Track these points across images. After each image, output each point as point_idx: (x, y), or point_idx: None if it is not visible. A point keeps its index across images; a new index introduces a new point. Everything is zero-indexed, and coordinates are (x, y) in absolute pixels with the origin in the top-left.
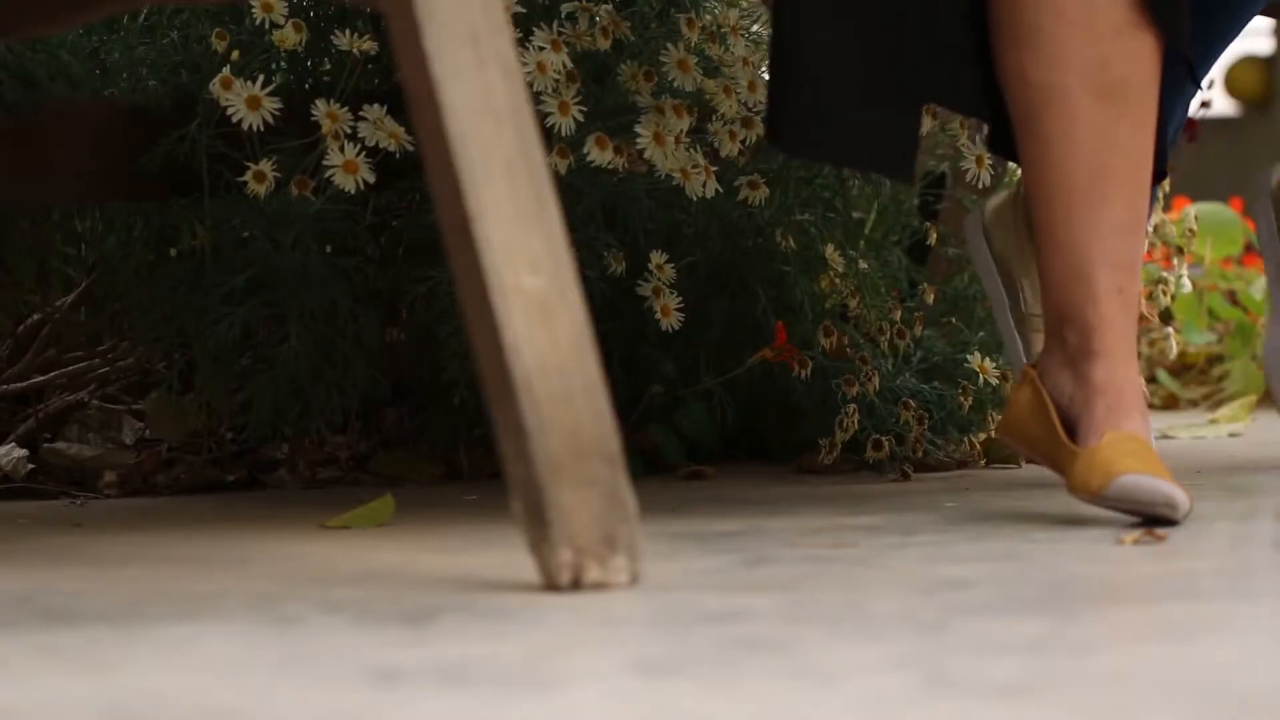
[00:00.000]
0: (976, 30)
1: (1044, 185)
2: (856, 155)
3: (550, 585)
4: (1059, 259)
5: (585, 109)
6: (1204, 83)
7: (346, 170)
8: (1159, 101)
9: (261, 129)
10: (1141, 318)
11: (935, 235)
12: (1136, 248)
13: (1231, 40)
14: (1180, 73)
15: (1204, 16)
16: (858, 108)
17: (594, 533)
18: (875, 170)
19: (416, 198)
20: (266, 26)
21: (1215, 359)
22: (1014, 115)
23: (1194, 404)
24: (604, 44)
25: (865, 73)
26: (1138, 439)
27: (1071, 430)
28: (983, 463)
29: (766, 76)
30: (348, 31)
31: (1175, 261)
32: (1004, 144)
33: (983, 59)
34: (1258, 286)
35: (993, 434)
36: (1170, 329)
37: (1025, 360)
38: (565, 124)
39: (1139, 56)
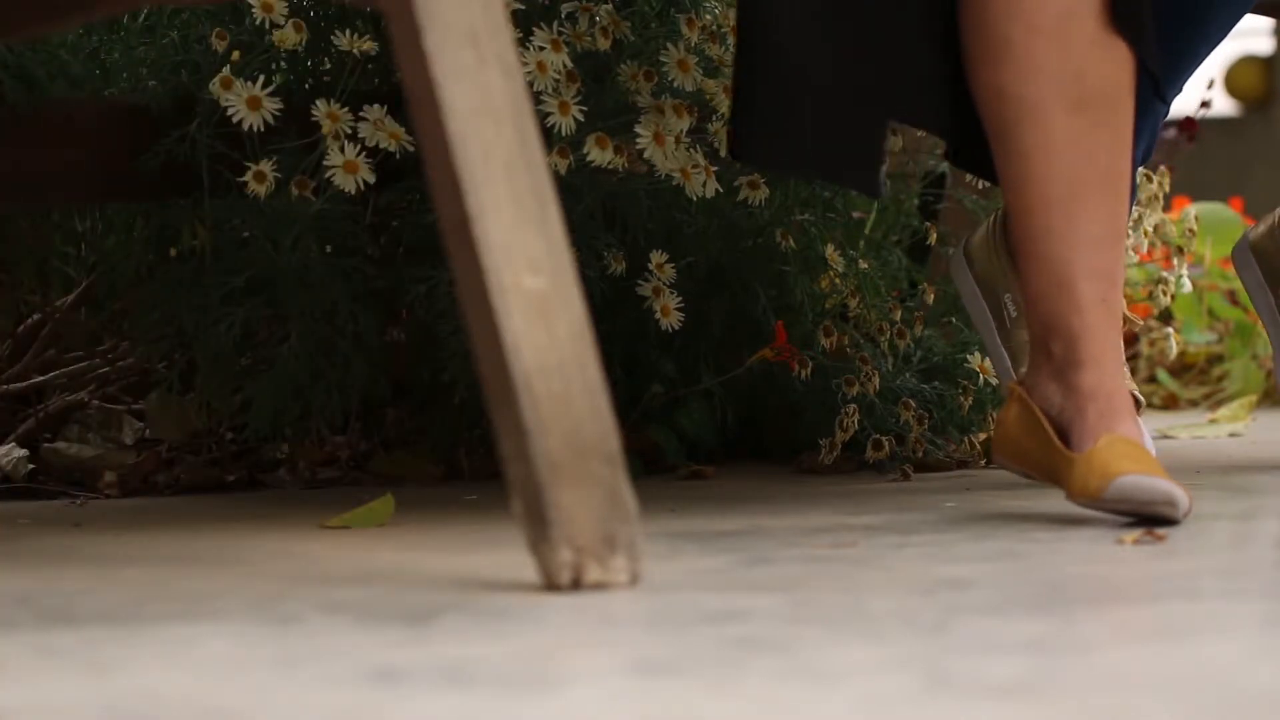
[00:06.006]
0: (942, 47)
1: (1022, 199)
2: (820, 166)
3: (550, 585)
4: (1041, 271)
5: (585, 109)
6: (1173, 102)
7: (347, 170)
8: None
9: (261, 129)
10: (1126, 320)
11: (935, 235)
12: (1117, 257)
13: (1201, 60)
14: (1146, 92)
15: (1173, 35)
16: (822, 120)
17: (594, 533)
18: (839, 182)
19: (416, 198)
20: (266, 26)
21: (1215, 359)
22: (989, 130)
23: (1194, 404)
24: (604, 44)
25: (830, 86)
26: (1133, 441)
27: (1064, 440)
28: (983, 463)
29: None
30: (348, 31)
31: (1175, 261)
32: (966, 159)
33: (947, 76)
34: None
35: (993, 433)
36: (1170, 329)
37: (1014, 377)
38: (565, 124)
39: (1113, 68)
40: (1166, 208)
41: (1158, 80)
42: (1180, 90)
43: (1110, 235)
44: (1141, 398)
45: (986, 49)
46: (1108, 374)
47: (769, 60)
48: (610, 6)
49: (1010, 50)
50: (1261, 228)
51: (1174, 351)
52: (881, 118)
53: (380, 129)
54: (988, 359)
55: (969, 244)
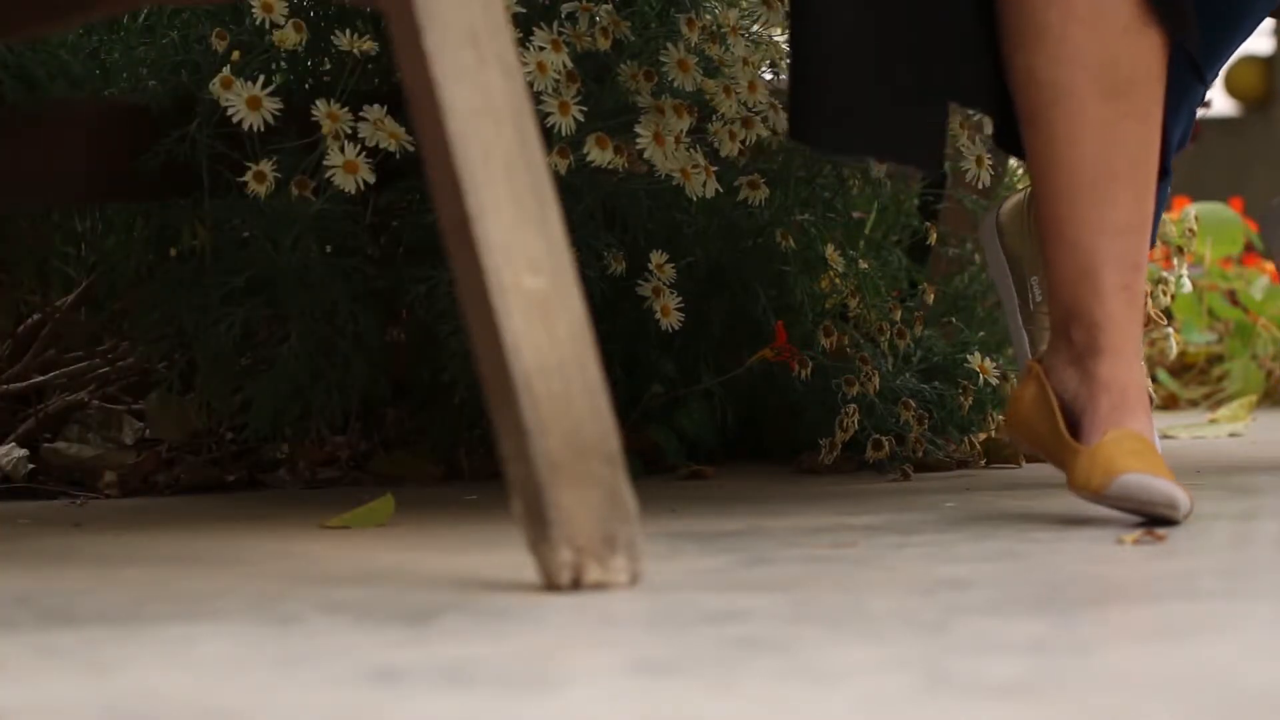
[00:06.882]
0: (986, 26)
1: (1050, 183)
2: (882, 146)
3: (550, 585)
4: (1065, 257)
5: (585, 109)
6: (1212, 83)
7: (347, 170)
8: (1164, 104)
9: (261, 129)
10: (1148, 319)
11: (935, 235)
12: (1142, 246)
13: (1239, 43)
14: (1186, 75)
15: (1210, 18)
16: (881, 99)
17: (594, 533)
18: (902, 161)
19: (416, 198)
20: (266, 26)
21: (1215, 359)
22: (1021, 113)
23: (1194, 404)
24: (604, 44)
25: (887, 66)
26: (1140, 437)
27: (1075, 427)
28: (983, 463)
29: (786, 77)
30: (348, 31)
31: (1175, 261)
32: (1010, 140)
33: (992, 54)
34: (1258, 286)
35: (993, 433)
36: (1170, 329)
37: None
38: (565, 124)
39: (1146, 55)
40: (1167, 207)
41: (1197, 63)
42: (1218, 72)
43: (1136, 224)
44: (1153, 394)
45: (1022, 32)
46: (1124, 365)
47: (823, 41)
48: (610, 6)
49: (1045, 34)
50: None
51: (1174, 351)
52: (939, 97)
53: (380, 129)
54: (987, 359)
55: (1001, 212)
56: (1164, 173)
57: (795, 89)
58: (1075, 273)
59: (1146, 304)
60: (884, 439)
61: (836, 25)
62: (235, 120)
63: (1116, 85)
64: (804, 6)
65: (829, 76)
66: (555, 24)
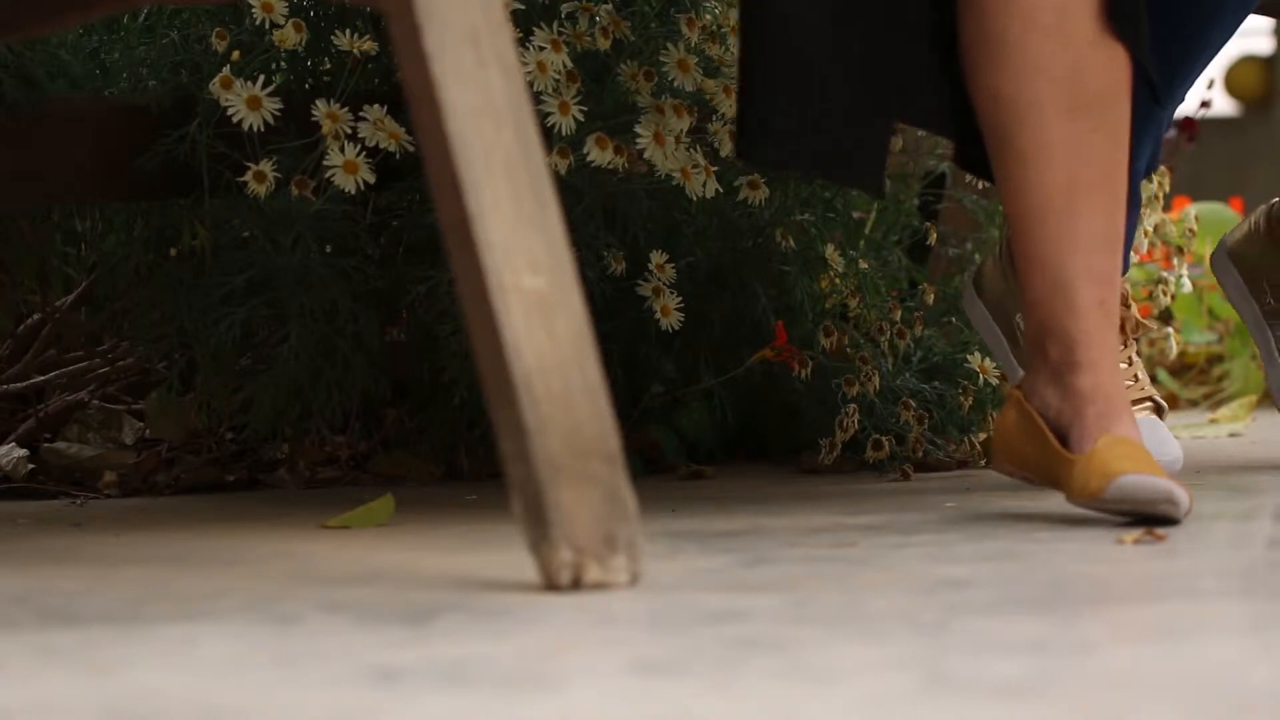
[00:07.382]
0: (945, 48)
1: (1020, 202)
2: (824, 167)
3: (550, 585)
4: (1038, 274)
5: (585, 109)
6: (1174, 110)
7: (346, 170)
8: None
9: (261, 129)
10: (1138, 324)
11: (935, 235)
12: (1115, 260)
13: (1200, 68)
14: (1148, 100)
15: (1170, 41)
16: (826, 120)
17: (594, 532)
18: (842, 183)
19: (416, 198)
20: (266, 26)
21: (1215, 359)
22: (986, 133)
23: (1194, 404)
24: (604, 44)
25: (834, 86)
26: (1132, 442)
27: (1063, 442)
28: (983, 463)
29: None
30: (348, 31)
31: (1175, 261)
32: (972, 161)
33: (951, 77)
34: None
35: (993, 433)
36: (1170, 329)
37: None
38: (565, 124)
39: (1111, 69)
40: (1166, 208)
41: (1154, 85)
42: (1181, 99)
43: (1108, 238)
44: (1164, 403)
45: (984, 50)
46: (1105, 376)
47: (772, 60)
48: (610, 6)
49: (1007, 50)
50: (1238, 234)
51: (1174, 351)
52: (886, 118)
53: (380, 129)
54: (987, 359)
55: (978, 273)
56: (1131, 199)
57: (742, 105)
58: (1048, 289)
59: (1133, 309)
60: (884, 439)
61: (786, 43)
62: (235, 120)
63: (1081, 100)
64: (754, 24)
65: (776, 94)
66: (555, 24)
